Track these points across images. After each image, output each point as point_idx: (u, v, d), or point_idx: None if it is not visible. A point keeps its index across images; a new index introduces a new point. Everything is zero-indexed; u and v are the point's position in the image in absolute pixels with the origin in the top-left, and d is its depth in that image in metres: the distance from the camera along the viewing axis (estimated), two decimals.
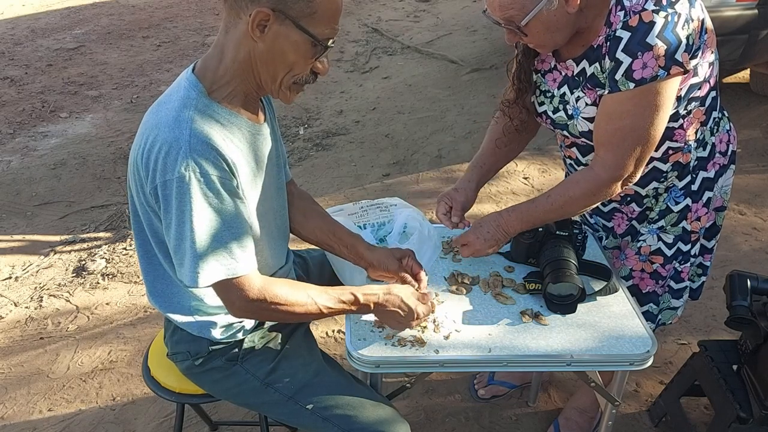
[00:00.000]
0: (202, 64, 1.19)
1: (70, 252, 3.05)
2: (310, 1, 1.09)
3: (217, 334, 1.36)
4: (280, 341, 1.44)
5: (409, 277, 1.40)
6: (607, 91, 1.32)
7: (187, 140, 1.09)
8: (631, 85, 1.27)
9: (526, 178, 3.46)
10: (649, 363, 1.33)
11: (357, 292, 1.30)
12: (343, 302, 1.29)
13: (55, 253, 3.04)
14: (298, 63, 1.16)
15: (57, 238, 3.16)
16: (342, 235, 1.48)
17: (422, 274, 1.43)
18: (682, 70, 1.25)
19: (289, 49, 1.13)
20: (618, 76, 1.28)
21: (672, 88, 1.27)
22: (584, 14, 1.31)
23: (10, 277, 2.87)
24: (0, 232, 3.23)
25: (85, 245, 3.10)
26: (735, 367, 1.72)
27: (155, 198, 1.14)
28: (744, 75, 4.35)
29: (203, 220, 1.12)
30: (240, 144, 1.20)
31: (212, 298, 1.31)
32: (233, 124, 1.19)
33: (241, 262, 1.17)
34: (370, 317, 1.39)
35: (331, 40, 1.16)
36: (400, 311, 1.31)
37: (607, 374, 1.57)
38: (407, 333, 1.36)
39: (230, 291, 1.19)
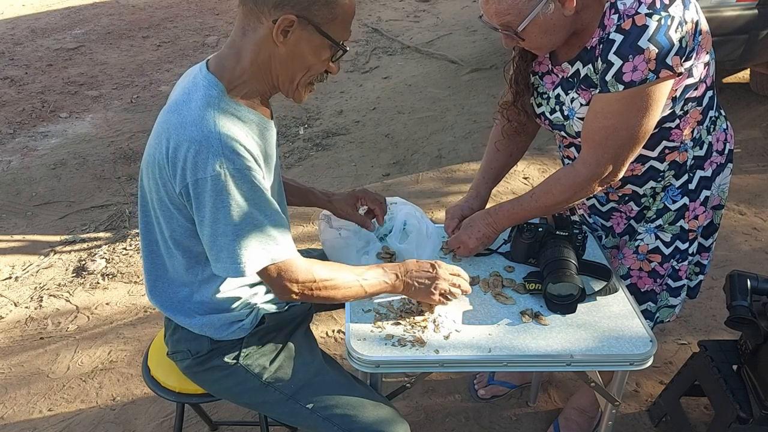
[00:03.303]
0: (218, 63, 1.20)
1: (70, 252, 3.05)
2: (332, 8, 1.14)
3: (217, 333, 1.36)
4: (280, 341, 1.44)
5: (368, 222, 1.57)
6: (597, 91, 1.33)
7: (217, 138, 1.11)
8: (621, 87, 1.27)
9: (526, 178, 3.46)
10: (649, 363, 1.33)
11: (381, 266, 1.37)
12: (373, 271, 1.34)
13: (55, 253, 3.04)
14: (315, 65, 1.21)
15: (57, 238, 3.16)
16: (301, 192, 1.62)
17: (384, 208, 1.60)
18: (673, 73, 1.25)
19: (310, 52, 1.18)
20: (608, 77, 1.28)
21: (661, 91, 1.28)
22: (580, 16, 1.32)
23: (10, 277, 2.88)
24: (0, 232, 3.23)
25: (85, 245, 3.10)
26: (735, 367, 1.72)
27: (186, 197, 1.16)
28: (744, 75, 4.35)
29: (241, 213, 1.15)
30: (258, 140, 1.22)
31: (213, 297, 1.31)
32: (252, 121, 1.21)
33: (283, 246, 1.21)
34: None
35: (346, 43, 1.21)
36: (424, 275, 1.36)
37: (607, 374, 1.57)
38: (407, 334, 1.36)
39: (280, 276, 1.22)
